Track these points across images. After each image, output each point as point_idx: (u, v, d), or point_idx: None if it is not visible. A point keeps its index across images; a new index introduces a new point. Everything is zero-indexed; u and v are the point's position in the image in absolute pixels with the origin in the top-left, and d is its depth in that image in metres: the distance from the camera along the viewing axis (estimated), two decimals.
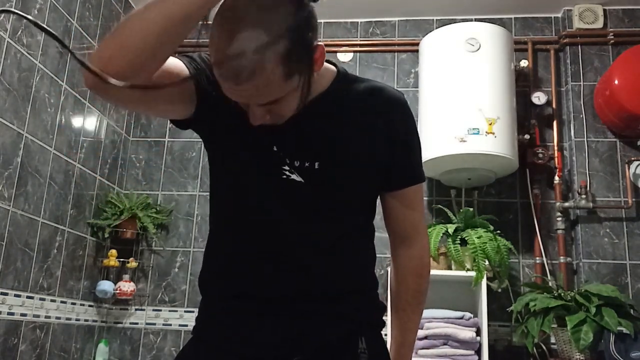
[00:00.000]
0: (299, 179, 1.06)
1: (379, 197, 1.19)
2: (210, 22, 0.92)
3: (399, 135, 1.12)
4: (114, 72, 0.85)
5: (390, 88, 1.16)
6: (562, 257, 2.96)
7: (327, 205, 1.09)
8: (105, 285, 3.02)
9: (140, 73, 0.89)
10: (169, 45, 0.90)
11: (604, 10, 3.22)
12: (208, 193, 1.19)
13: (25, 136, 2.44)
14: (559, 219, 3.00)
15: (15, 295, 2.41)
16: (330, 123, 1.08)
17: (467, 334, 2.57)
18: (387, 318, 1.28)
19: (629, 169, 2.96)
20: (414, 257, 1.20)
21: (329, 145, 1.07)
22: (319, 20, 1.01)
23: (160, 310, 3.18)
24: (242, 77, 0.89)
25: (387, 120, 1.11)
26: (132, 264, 3.16)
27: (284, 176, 1.06)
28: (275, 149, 1.06)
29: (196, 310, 1.20)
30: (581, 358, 2.51)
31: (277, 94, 0.93)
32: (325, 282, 1.09)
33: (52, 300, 2.67)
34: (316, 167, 1.06)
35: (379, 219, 1.19)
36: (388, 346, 1.20)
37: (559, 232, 3.00)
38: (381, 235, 1.24)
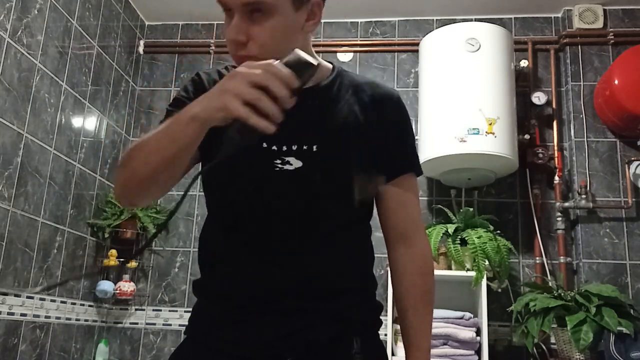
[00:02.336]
0: (296, 165, 1.06)
1: (374, 200, 1.19)
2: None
3: (393, 126, 1.15)
4: (134, 197, 1.04)
5: (384, 84, 1.21)
6: (562, 257, 2.96)
7: (323, 195, 1.08)
8: (105, 285, 3.02)
9: (159, 190, 1.05)
10: (176, 169, 1.01)
11: (604, 10, 3.22)
12: None
13: (26, 136, 2.44)
14: (559, 219, 3.00)
15: (15, 295, 2.41)
16: (327, 110, 1.11)
17: (467, 334, 2.57)
18: (386, 318, 1.27)
19: (629, 169, 2.96)
20: (418, 256, 1.17)
21: (327, 130, 1.09)
22: None
23: (160, 310, 3.18)
24: None
25: (381, 111, 1.14)
26: (132, 264, 3.16)
27: (277, 169, 1.06)
28: (264, 145, 1.06)
29: None
30: (581, 358, 2.51)
31: None
32: (320, 279, 1.08)
33: (52, 300, 2.67)
34: (314, 149, 1.07)
35: (376, 221, 1.19)
36: (401, 352, 1.19)
37: (559, 232, 3.00)
38: (381, 235, 1.23)
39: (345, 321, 1.09)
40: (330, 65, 1.18)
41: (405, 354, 1.16)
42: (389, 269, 1.22)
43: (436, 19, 3.42)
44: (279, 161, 1.06)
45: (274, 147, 1.06)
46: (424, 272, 1.16)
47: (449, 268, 2.75)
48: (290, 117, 1.08)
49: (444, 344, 2.57)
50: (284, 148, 1.06)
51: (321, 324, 1.07)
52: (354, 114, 1.12)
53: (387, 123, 1.14)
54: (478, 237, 2.65)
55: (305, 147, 1.06)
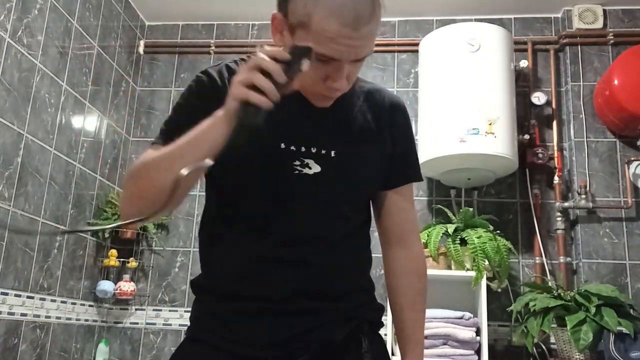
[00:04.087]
0: (314, 170, 1.07)
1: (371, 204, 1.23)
2: None
3: (401, 134, 1.20)
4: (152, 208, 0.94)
5: (389, 91, 1.25)
6: (561, 257, 2.97)
7: (338, 199, 1.10)
8: (106, 285, 3.02)
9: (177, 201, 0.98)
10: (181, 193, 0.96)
11: (604, 10, 3.22)
12: None
13: (26, 136, 2.44)
14: (559, 219, 3.00)
15: (16, 295, 2.41)
16: (342, 116, 1.14)
17: (467, 333, 2.57)
18: (386, 318, 1.28)
19: (628, 169, 2.96)
20: (415, 257, 1.21)
21: (344, 136, 1.12)
22: None
23: (160, 310, 3.18)
24: (364, 19, 0.95)
25: (391, 120, 1.18)
26: (132, 263, 3.16)
27: (296, 172, 1.07)
28: (283, 146, 1.07)
29: None
30: (581, 358, 2.51)
31: (372, 47, 1.00)
32: (329, 280, 1.10)
33: (52, 300, 2.67)
34: (332, 155, 1.09)
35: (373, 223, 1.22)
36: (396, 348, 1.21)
37: (559, 232, 3.00)
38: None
39: (353, 321, 1.11)
40: None
41: (402, 348, 1.20)
42: None
43: (436, 19, 3.42)
44: (298, 163, 1.07)
45: (293, 147, 1.07)
46: (420, 273, 1.22)
47: (449, 268, 2.75)
48: (307, 120, 1.09)
49: (444, 343, 2.57)
50: (303, 149, 1.07)
51: (331, 324, 1.09)
52: (367, 122, 1.15)
53: (395, 131, 1.18)
54: (478, 237, 2.65)
55: (323, 152, 1.08)
